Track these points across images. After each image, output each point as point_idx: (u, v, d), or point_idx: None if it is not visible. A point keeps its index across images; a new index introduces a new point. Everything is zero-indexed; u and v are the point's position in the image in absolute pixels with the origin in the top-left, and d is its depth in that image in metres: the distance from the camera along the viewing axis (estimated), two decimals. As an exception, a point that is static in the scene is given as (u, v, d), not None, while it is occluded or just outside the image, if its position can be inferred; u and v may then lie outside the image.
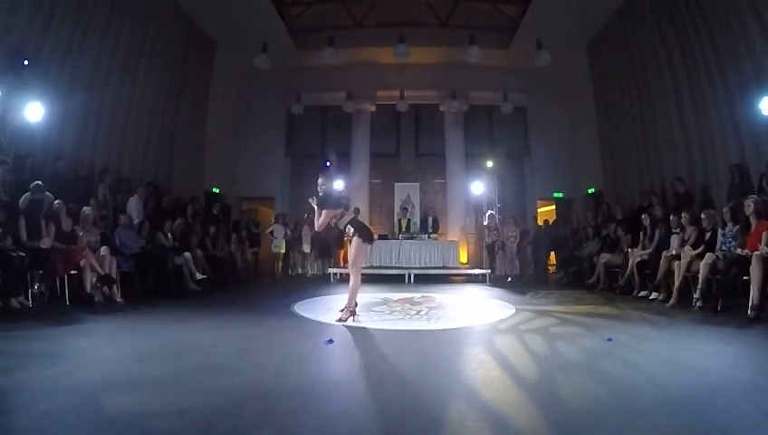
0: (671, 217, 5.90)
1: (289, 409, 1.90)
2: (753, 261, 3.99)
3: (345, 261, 10.23)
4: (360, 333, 3.61)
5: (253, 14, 8.63)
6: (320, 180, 4.36)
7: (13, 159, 5.18)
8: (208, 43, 9.98)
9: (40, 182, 5.05)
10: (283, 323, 4.04)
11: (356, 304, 4.16)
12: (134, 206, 6.66)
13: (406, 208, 10.73)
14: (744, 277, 4.15)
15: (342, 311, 4.08)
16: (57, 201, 5.05)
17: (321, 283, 7.97)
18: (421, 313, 4.63)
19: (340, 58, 9.26)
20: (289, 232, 9.69)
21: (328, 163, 10.59)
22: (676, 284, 4.99)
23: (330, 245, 9.91)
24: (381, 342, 3.31)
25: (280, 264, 9.85)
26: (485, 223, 9.61)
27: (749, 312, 3.88)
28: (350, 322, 3.98)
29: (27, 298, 4.39)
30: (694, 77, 6.97)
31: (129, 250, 5.82)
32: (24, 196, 4.93)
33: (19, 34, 5.46)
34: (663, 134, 7.82)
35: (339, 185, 10.30)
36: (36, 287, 4.63)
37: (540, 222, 10.30)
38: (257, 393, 2.08)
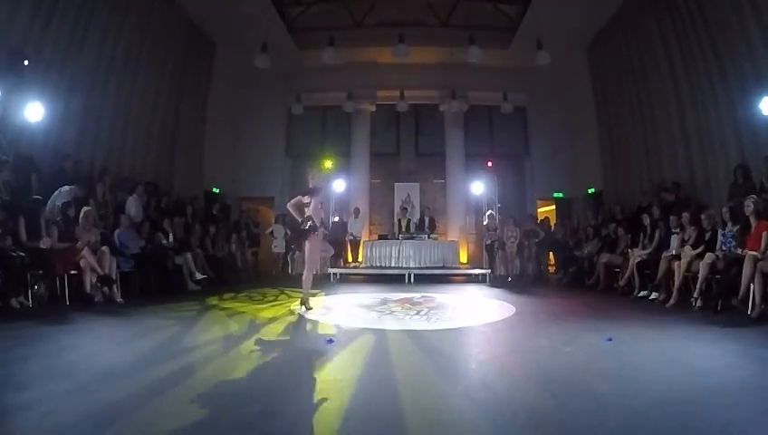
0: (671, 217, 5.90)
1: (289, 409, 1.90)
2: (746, 260, 4.02)
3: (346, 260, 10.29)
4: (359, 333, 3.61)
5: (253, 14, 8.63)
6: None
7: (13, 159, 5.19)
8: (208, 43, 9.98)
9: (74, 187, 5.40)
10: (282, 323, 4.05)
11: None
12: (133, 205, 6.66)
13: (406, 208, 10.72)
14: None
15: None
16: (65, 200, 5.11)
17: (322, 282, 7.97)
18: (421, 313, 4.63)
19: (340, 58, 9.26)
20: (289, 232, 9.69)
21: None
22: (676, 284, 4.99)
23: (341, 244, 9.93)
24: (381, 342, 3.31)
25: (280, 264, 9.86)
26: (485, 223, 9.60)
27: (749, 312, 3.89)
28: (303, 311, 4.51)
29: (27, 298, 4.38)
30: (694, 77, 6.96)
31: (129, 250, 5.82)
32: (61, 190, 5.20)
33: (19, 34, 5.46)
34: (663, 134, 7.82)
35: (340, 185, 10.39)
36: (36, 287, 4.63)
37: (552, 222, 10.22)
38: (257, 393, 2.08)
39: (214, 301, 5.37)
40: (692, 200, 6.72)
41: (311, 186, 4.82)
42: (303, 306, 4.62)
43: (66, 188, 5.42)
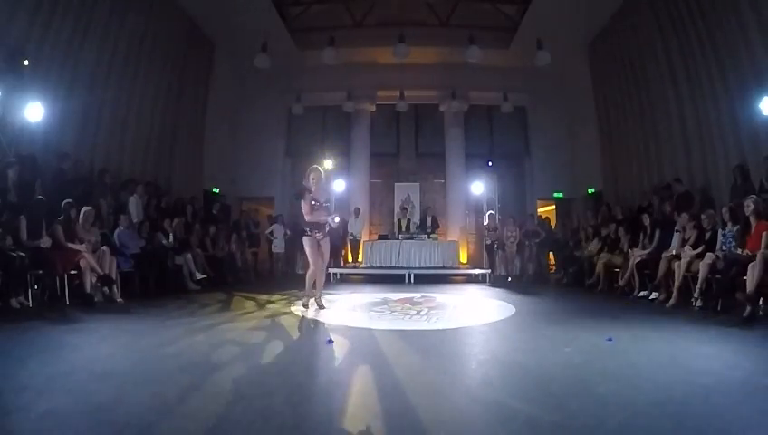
0: (674, 214, 5.90)
1: (289, 409, 1.90)
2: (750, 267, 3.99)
3: (346, 260, 10.29)
4: (359, 333, 3.61)
5: (253, 14, 8.63)
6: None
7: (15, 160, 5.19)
8: (208, 43, 9.97)
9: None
10: (282, 323, 4.05)
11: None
12: (134, 205, 6.66)
13: (405, 208, 10.72)
14: (744, 277, 4.15)
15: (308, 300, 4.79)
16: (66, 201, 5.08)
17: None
18: (421, 313, 4.63)
19: (340, 58, 9.26)
20: (288, 232, 9.68)
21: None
22: (676, 284, 4.99)
23: (341, 244, 9.92)
24: (381, 342, 3.31)
25: (280, 264, 9.86)
26: (485, 223, 9.60)
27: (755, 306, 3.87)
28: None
29: (27, 298, 4.39)
30: (694, 77, 6.96)
31: (129, 250, 5.82)
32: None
33: (19, 34, 5.46)
34: (663, 134, 7.82)
35: (340, 185, 10.38)
36: (36, 287, 4.63)
37: (552, 222, 10.23)
38: (257, 393, 2.08)
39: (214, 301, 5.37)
40: (696, 192, 6.75)
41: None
42: (304, 307, 4.67)
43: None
